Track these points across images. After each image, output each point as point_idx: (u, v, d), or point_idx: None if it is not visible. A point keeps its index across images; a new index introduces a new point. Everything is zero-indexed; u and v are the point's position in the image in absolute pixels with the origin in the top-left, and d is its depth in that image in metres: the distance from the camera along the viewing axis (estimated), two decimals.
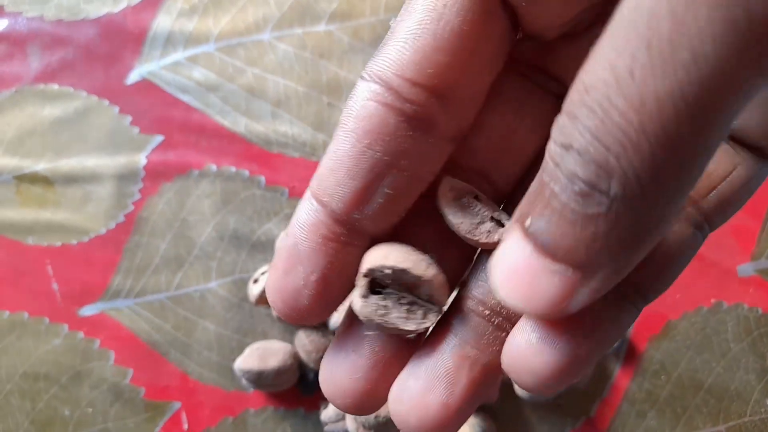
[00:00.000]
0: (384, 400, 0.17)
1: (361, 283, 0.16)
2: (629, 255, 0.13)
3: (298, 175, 0.42)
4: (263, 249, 0.41)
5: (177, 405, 0.40)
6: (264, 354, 0.38)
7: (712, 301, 0.40)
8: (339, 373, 0.17)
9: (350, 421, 0.36)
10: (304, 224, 0.16)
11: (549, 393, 0.15)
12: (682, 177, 0.12)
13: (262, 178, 0.42)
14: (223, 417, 0.40)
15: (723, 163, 0.17)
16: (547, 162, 0.12)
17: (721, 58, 0.10)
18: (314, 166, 0.41)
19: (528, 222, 0.13)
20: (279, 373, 0.38)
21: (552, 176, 0.12)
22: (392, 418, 0.16)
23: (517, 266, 0.13)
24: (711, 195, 0.16)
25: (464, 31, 0.15)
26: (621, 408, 0.40)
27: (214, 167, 0.42)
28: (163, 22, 0.43)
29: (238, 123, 0.42)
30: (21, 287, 0.41)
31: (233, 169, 0.42)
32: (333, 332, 0.38)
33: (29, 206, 0.42)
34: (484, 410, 0.39)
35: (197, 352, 0.40)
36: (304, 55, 0.43)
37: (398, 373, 0.17)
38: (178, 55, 0.43)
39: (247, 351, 0.39)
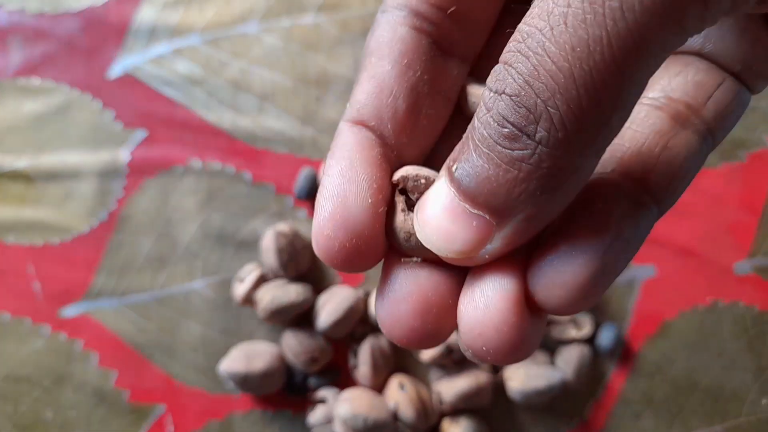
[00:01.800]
0: (449, 326, 0.16)
1: (399, 199, 0.16)
2: (546, 202, 0.13)
3: (285, 171, 0.41)
4: (249, 247, 0.41)
5: (162, 408, 0.40)
6: (250, 355, 0.38)
7: (709, 299, 0.40)
8: (398, 309, 0.16)
9: (338, 424, 0.36)
10: (357, 144, 0.16)
11: (582, 307, 0.14)
12: (603, 124, 0.12)
13: (249, 174, 0.41)
14: (208, 420, 0.40)
15: (713, 76, 0.17)
16: (480, 108, 0.13)
17: (647, 10, 0.11)
18: (302, 161, 0.41)
19: (455, 167, 0.14)
20: (265, 375, 0.37)
21: (482, 121, 0.13)
22: (465, 341, 0.15)
23: (437, 209, 0.14)
24: (709, 103, 0.17)
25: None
26: (616, 409, 0.40)
27: (199, 163, 0.41)
28: (146, 14, 0.43)
29: (223, 118, 0.42)
30: (2, 287, 0.41)
31: (219, 164, 0.41)
32: (322, 333, 0.38)
33: (9, 204, 0.42)
34: (476, 413, 0.39)
35: (182, 354, 0.40)
36: (292, 48, 0.42)
37: (452, 299, 0.16)
38: (162, 48, 0.43)
39: (233, 353, 0.38)
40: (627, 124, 0.17)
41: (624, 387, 0.40)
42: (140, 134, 0.42)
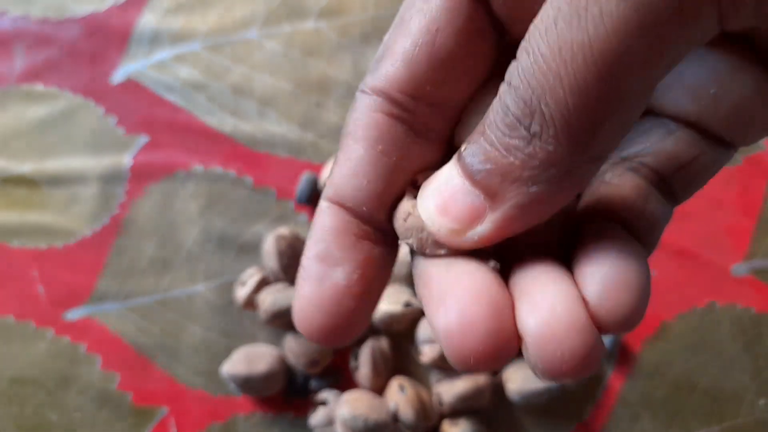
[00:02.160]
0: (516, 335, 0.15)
1: (409, 188, 0.17)
2: (537, 195, 0.14)
3: (286, 175, 0.41)
4: (251, 251, 0.41)
5: (164, 410, 0.40)
6: (251, 358, 0.38)
7: (706, 301, 0.40)
8: (470, 314, 0.15)
9: (339, 426, 0.36)
10: (332, 229, 0.16)
11: (640, 319, 0.14)
12: (594, 130, 0.13)
13: (250, 179, 0.41)
14: (211, 422, 0.40)
15: (691, 149, 0.18)
16: (495, 102, 0.14)
17: (624, 18, 0.12)
18: (303, 166, 0.41)
19: (464, 147, 0.15)
20: (267, 377, 0.38)
21: (493, 108, 0.14)
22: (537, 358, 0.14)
23: (440, 183, 0.15)
24: (682, 172, 0.17)
25: (456, 52, 0.16)
26: (615, 411, 0.40)
27: (200, 168, 0.42)
28: (148, 20, 0.43)
29: (224, 123, 0.42)
30: (6, 290, 0.41)
31: (220, 169, 0.42)
32: None
33: (14, 208, 0.42)
34: (476, 414, 0.39)
35: (184, 357, 0.40)
36: (292, 53, 0.43)
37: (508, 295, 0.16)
38: (164, 54, 0.43)
39: (235, 355, 0.38)
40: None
41: (622, 388, 0.40)
42: (143, 139, 0.42)
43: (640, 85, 0.13)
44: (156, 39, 0.43)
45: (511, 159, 0.13)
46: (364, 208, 0.16)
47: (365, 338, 0.39)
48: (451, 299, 0.15)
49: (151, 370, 0.40)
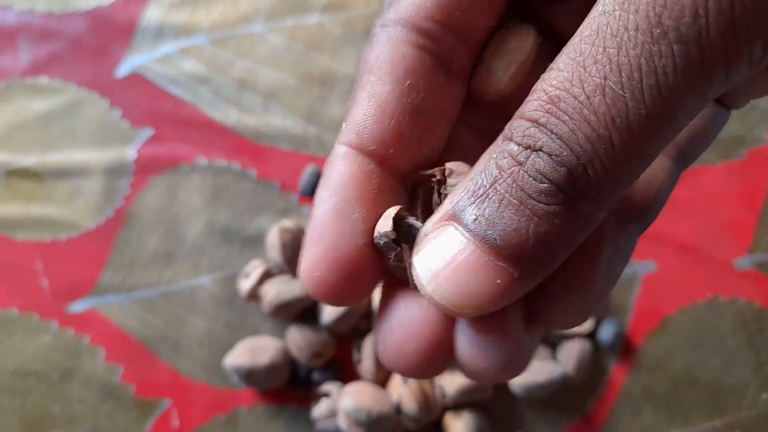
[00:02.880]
0: (448, 354, 0.16)
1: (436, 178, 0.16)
2: (565, 253, 0.14)
3: (290, 168, 0.42)
4: (254, 244, 0.41)
5: (167, 402, 0.40)
6: (255, 350, 0.38)
7: (709, 295, 0.40)
8: (401, 340, 0.15)
9: (342, 418, 0.36)
10: (352, 178, 0.15)
11: (586, 319, 0.15)
12: (630, 183, 0.13)
13: (254, 171, 0.42)
14: (214, 414, 0.40)
15: None
16: (501, 160, 0.13)
17: (678, 86, 0.12)
18: (307, 159, 0.41)
19: (471, 217, 0.13)
20: (270, 369, 0.38)
21: (512, 174, 0.13)
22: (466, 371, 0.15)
23: (452, 262, 0.14)
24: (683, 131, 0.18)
25: None
26: (617, 404, 0.40)
27: (204, 161, 0.42)
28: (153, 14, 0.43)
29: (229, 116, 0.42)
30: (10, 283, 0.41)
31: (224, 162, 0.42)
32: (326, 329, 0.38)
33: (18, 201, 0.42)
34: (479, 407, 0.39)
35: (187, 349, 0.40)
36: (296, 47, 0.43)
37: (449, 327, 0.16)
38: (168, 47, 0.43)
39: (238, 347, 0.39)
40: None
41: (625, 382, 0.40)
42: (147, 132, 0.42)
43: (679, 131, 0.13)
44: (161, 33, 0.43)
45: (547, 226, 0.13)
46: (391, 151, 0.15)
47: (368, 331, 0.39)
48: (393, 328, 0.16)
49: (155, 362, 0.40)
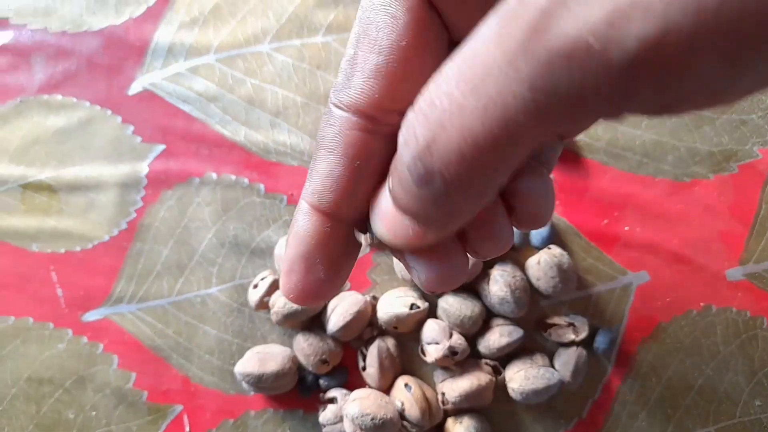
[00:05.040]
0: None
1: None
2: (450, 222, 0.17)
3: (297, 182, 0.42)
4: (263, 255, 0.42)
5: (179, 408, 0.41)
6: (264, 358, 0.39)
7: (702, 304, 0.40)
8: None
9: (347, 423, 0.37)
10: (312, 232, 0.20)
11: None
12: (480, 191, 0.15)
13: (262, 186, 0.42)
14: (223, 419, 0.40)
15: None
16: (399, 145, 0.16)
17: (524, 126, 0.13)
18: None
19: (389, 181, 0.17)
20: (278, 376, 0.38)
21: (399, 158, 0.16)
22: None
23: (384, 212, 0.18)
24: None
25: (423, 61, 0.18)
26: (613, 409, 0.40)
27: (214, 175, 0.42)
28: (164, 34, 0.44)
29: (237, 132, 0.43)
30: (26, 293, 0.42)
31: (233, 177, 0.42)
32: (332, 336, 0.39)
33: (34, 214, 0.43)
34: (478, 411, 0.39)
35: (198, 357, 0.41)
36: (302, 66, 0.43)
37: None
38: (179, 66, 0.44)
39: (247, 355, 0.39)
40: None
41: (620, 388, 0.40)
42: (159, 148, 0.43)
43: (514, 164, 0.15)
44: (171, 52, 0.44)
45: (419, 200, 0.16)
46: (342, 209, 0.19)
47: (372, 339, 0.40)
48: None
49: (166, 369, 0.41)
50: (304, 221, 0.20)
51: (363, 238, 0.19)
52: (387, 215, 0.18)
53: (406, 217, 0.17)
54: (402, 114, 0.17)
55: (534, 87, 0.13)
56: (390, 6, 0.17)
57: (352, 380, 0.41)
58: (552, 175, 0.40)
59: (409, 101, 0.17)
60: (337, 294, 0.21)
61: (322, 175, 0.19)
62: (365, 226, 0.19)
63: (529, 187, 0.19)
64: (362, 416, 0.36)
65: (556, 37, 0.12)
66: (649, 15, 0.11)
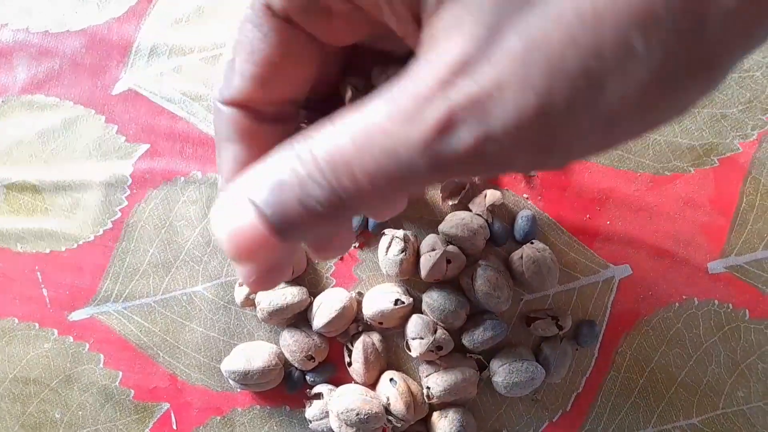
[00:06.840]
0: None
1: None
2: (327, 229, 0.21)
3: None
4: None
5: (166, 406, 0.41)
6: (250, 355, 0.39)
7: (684, 297, 0.41)
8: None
9: (333, 418, 0.37)
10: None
11: None
12: (359, 206, 0.18)
13: None
14: (210, 416, 0.41)
15: None
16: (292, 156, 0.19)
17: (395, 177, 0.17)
18: None
19: (255, 198, 0.19)
20: (264, 372, 0.38)
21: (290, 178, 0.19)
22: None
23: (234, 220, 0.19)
24: None
25: (287, 68, 0.22)
26: (597, 402, 0.41)
27: (199, 174, 0.42)
28: (147, 33, 0.44)
29: None
30: (11, 293, 0.42)
31: (218, 175, 0.42)
32: (317, 333, 0.39)
33: (18, 214, 0.43)
34: (463, 405, 0.40)
35: (185, 354, 0.41)
36: None
37: None
38: (162, 65, 0.44)
39: (234, 352, 0.39)
40: None
41: (604, 381, 0.41)
42: (143, 147, 0.43)
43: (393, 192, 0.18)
44: (154, 51, 0.44)
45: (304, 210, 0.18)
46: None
47: (358, 335, 0.40)
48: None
49: (153, 367, 0.41)
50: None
51: None
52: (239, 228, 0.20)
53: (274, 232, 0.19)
54: (272, 105, 0.22)
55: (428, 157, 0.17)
56: (262, 25, 0.21)
57: (338, 376, 0.41)
58: (535, 172, 0.41)
59: (277, 97, 0.22)
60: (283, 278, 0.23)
61: (228, 163, 0.23)
62: None
63: None
64: (347, 411, 0.36)
65: (418, 132, 0.16)
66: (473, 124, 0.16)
